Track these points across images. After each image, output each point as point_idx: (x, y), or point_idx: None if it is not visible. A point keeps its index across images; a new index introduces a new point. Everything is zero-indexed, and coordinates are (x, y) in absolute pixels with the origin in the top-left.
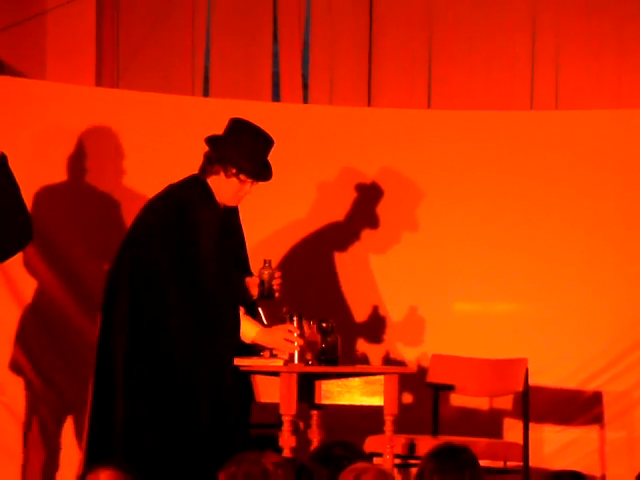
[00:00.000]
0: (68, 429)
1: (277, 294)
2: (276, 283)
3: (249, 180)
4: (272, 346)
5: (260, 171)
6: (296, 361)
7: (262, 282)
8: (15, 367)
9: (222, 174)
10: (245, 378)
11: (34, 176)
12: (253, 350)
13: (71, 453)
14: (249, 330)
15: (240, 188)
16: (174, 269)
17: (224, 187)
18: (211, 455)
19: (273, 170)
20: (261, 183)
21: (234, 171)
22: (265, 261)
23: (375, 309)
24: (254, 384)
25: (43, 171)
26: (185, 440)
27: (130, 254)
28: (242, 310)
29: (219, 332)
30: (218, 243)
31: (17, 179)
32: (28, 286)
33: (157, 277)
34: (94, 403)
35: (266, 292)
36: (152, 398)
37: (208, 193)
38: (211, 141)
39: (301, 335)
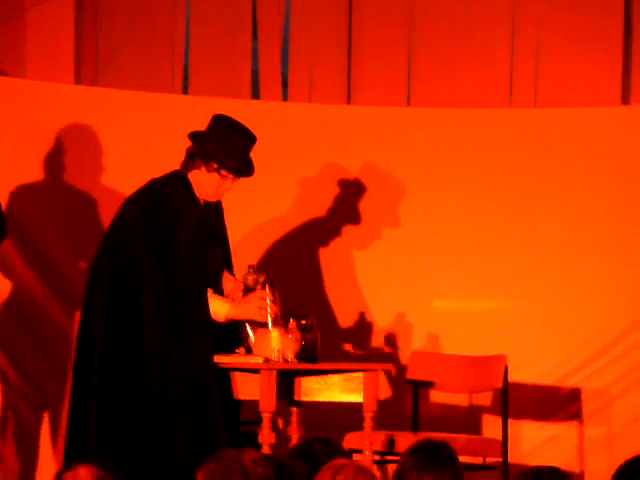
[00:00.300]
0: (46, 424)
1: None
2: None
3: (230, 176)
4: (247, 317)
5: (241, 167)
6: (270, 327)
7: (246, 287)
8: None
9: (203, 169)
10: (225, 375)
11: (13, 174)
12: (230, 345)
13: (49, 449)
14: (220, 308)
15: (221, 183)
16: (150, 263)
17: (205, 182)
18: (188, 451)
19: (254, 166)
20: (242, 179)
21: (215, 166)
22: (249, 267)
23: (355, 306)
24: (233, 381)
25: (22, 169)
26: (160, 437)
27: (109, 248)
28: (210, 291)
29: (190, 324)
30: (196, 238)
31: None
32: (5, 282)
33: (134, 272)
34: (72, 400)
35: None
36: (125, 394)
37: (187, 188)
38: (194, 136)
39: (274, 301)
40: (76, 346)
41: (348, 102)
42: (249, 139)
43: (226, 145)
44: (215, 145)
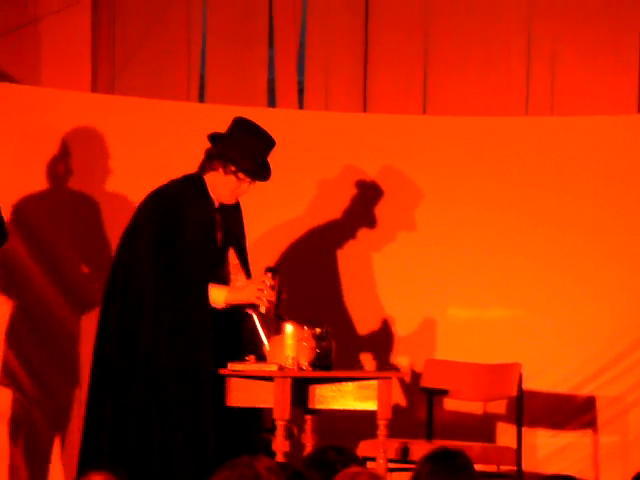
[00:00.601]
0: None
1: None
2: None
3: (247, 179)
4: (246, 301)
5: (259, 171)
6: (262, 310)
7: (278, 300)
8: (5, 369)
9: (221, 171)
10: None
11: (25, 181)
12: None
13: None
14: (218, 295)
15: (238, 186)
16: (153, 264)
17: (222, 184)
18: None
19: (271, 171)
20: (258, 183)
21: (233, 169)
22: (267, 269)
23: (370, 311)
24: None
25: (34, 175)
26: (159, 437)
27: (121, 248)
28: (210, 284)
29: (189, 324)
30: (204, 239)
31: (10, 182)
32: (16, 287)
33: (139, 273)
34: (87, 405)
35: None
36: (128, 396)
37: (202, 189)
38: (213, 138)
39: (273, 288)
40: (93, 349)
41: (364, 110)
42: (268, 143)
43: (244, 148)
44: (233, 148)
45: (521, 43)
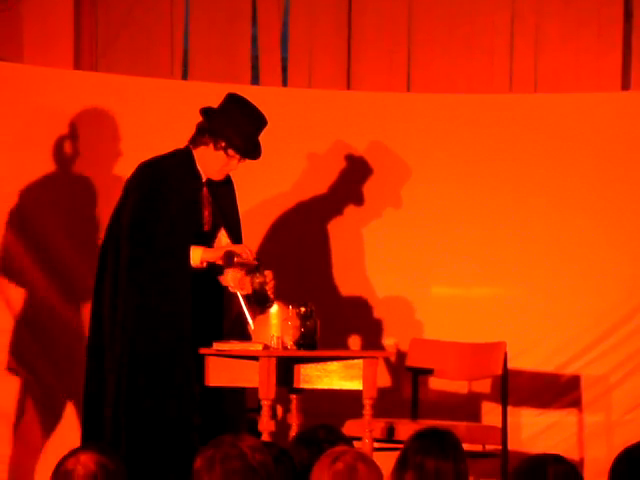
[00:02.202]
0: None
1: (272, 297)
2: (269, 288)
3: (237, 156)
4: (221, 256)
5: (249, 149)
6: (234, 262)
7: (253, 291)
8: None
9: (211, 146)
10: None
11: (13, 161)
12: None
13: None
14: (195, 254)
15: (227, 162)
16: (132, 239)
17: (211, 159)
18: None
19: (261, 150)
20: (247, 161)
21: (223, 144)
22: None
23: (355, 287)
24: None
25: (21, 156)
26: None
27: (109, 224)
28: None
29: (168, 303)
30: (189, 212)
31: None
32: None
33: (120, 249)
34: (85, 387)
35: (259, 299)
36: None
37: (189, 162)
38: (205, 112)
39: (252, 274)
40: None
41: (348, 88)
42: (260, 122)
43: (237, 125)
44: (226, 124)
45: (504, 20)
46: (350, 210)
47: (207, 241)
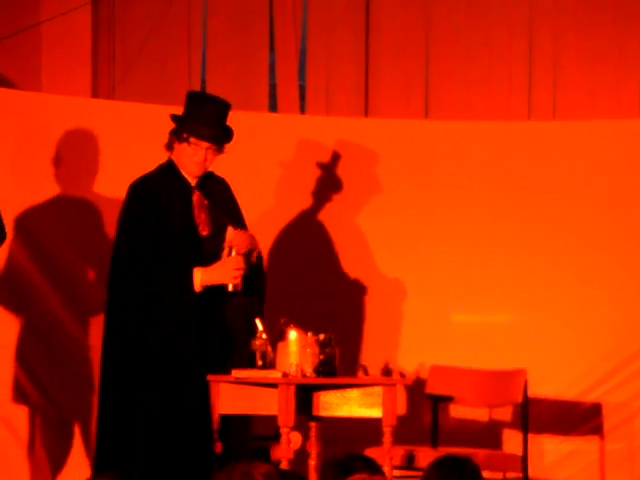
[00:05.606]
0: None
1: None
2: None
3: (202, 143)
4: (221, 282)
5: (209, 133)
6: (230, 289)
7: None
8: (17, 384)
9: (182, 144)
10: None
11: (25, 186)
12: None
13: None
14: (195, 279)
15: (194, 152)
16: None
17: (183, 155)
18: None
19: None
20: (225, 153)
21: (185, 136)
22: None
23: (375, 317)
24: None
25: (34, 181)
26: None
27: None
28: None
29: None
30: (185, 222)
31: (9, 188)
32: (24, 299)
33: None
34: (99, 407)
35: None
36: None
37: (171, 168)
38: (172, 116)
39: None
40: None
41: (365, 115)
42: (218, 106)
43: (194, 115)
44: (185, 117)
45: (523, 47)
46: (369, 236)
47: (206, 246)
